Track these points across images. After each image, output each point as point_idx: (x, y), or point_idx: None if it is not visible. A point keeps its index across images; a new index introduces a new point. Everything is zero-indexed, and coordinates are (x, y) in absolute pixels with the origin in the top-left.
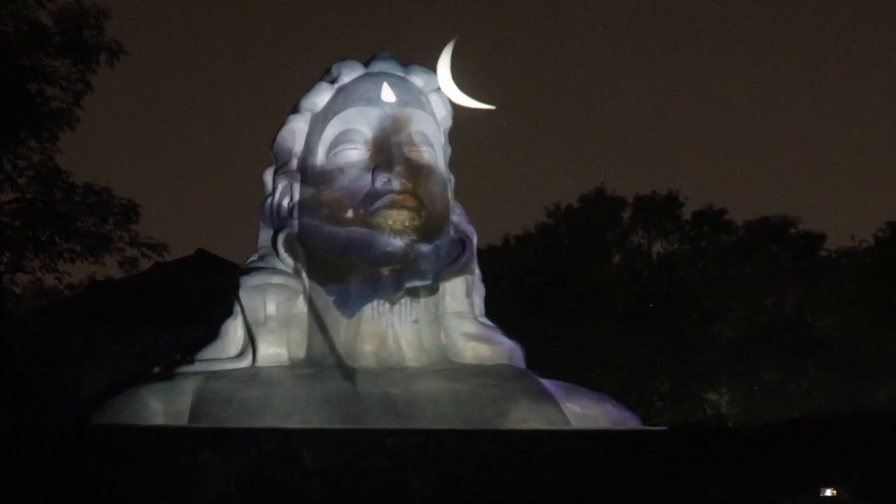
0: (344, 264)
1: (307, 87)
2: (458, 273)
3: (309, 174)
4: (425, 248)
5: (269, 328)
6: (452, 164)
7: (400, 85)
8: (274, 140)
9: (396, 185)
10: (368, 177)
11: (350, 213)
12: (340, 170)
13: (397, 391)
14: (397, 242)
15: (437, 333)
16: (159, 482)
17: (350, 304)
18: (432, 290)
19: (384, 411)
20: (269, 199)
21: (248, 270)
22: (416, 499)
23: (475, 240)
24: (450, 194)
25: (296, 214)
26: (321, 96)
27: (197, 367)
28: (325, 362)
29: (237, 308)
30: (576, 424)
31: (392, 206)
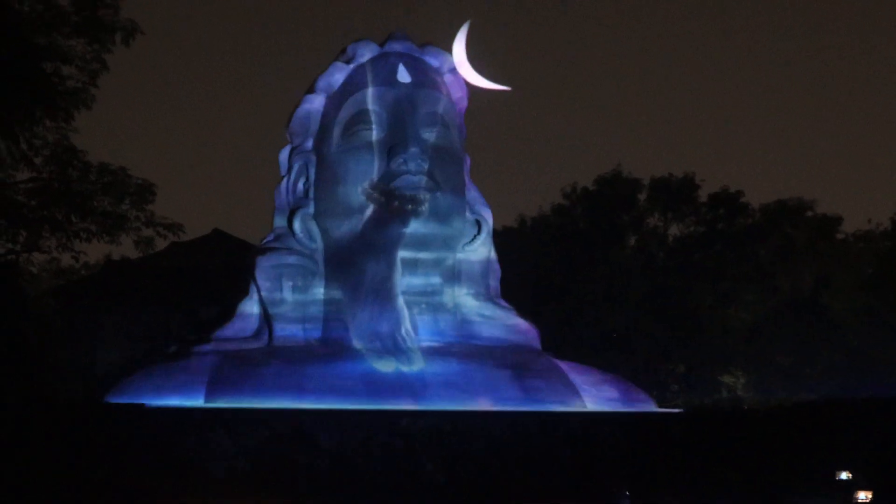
0: (360, 244)
1: (323, 67)
2: (474, 254)
3: (324, 154)
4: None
5: (284, 308)
6: (468, 144)
7: (415, 65)
8: (289, 120)
9: (412, 166)
10: (384, 157)
11: (366, 194)
12: (356, 150)
13: (412, 372)
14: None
15: (452, 314)
16: (173, 460)
17: (366, 285)
18: (448, 271)
19: (398, 392)
20: (285, 179)
21: (264, 250)
22: (429, 480)
23: (490, 221)
24: (465, 175)
25: (311, 194)
26: (336, 76)
27: (213, 346)
28: (341, 343)
29: (253, 288)
30: (591, 406)
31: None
